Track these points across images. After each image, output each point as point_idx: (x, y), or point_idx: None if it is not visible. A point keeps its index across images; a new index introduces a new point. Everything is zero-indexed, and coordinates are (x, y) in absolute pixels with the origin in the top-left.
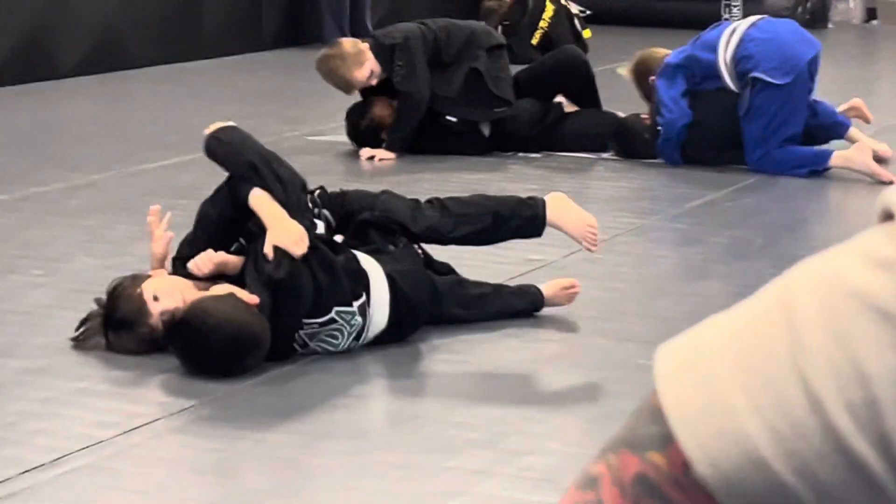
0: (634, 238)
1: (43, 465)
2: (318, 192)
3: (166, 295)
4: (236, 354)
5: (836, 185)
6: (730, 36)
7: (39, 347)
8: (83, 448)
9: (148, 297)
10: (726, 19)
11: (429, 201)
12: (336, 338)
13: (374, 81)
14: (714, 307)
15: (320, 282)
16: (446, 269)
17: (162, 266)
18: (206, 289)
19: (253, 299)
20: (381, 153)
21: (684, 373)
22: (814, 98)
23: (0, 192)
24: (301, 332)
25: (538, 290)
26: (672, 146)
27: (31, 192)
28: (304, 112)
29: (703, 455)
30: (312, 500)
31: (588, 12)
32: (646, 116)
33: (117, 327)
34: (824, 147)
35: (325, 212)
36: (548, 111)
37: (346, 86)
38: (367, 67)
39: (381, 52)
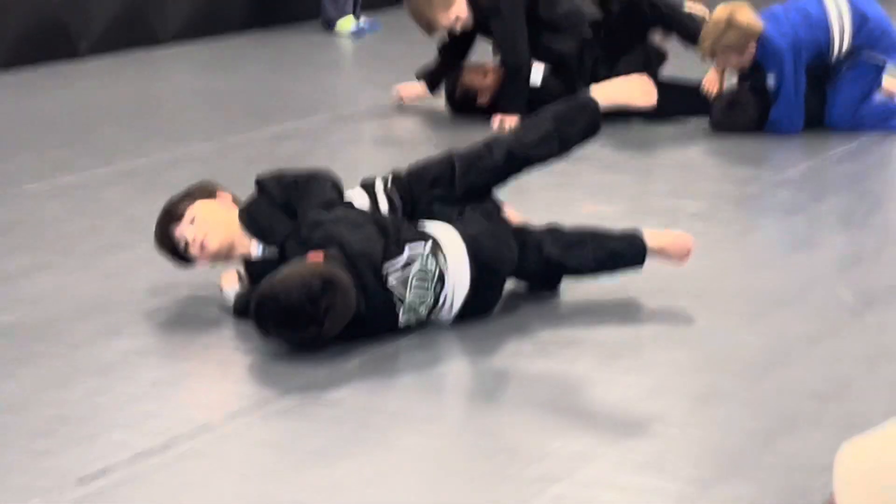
0: (734, 207)
1: (152, 449)
2: (391, 179)
3: (201, 224)
4: (312, 300)
5: None
6: (838, 15)
7: (148, 327)
8: (191, 432)
9: (188, 216)
10: None
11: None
12: (424, 279)
13: (458, 26)
14: (820, 279)
15: (383, 222)
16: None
17: None
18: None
19: (317, 256)
20: (508, 119)
21: (863, 480)
22: None
23: (104, 165)
24: (391, 278)
25: (642, 240)
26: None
27: (134, 165)
28: (399, 76)
29: None
30: (415, 485)
31: None
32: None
33: (161, 222)
34: None
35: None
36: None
37: (427, 27)
38: (452, 12)
39: (476, 8)
